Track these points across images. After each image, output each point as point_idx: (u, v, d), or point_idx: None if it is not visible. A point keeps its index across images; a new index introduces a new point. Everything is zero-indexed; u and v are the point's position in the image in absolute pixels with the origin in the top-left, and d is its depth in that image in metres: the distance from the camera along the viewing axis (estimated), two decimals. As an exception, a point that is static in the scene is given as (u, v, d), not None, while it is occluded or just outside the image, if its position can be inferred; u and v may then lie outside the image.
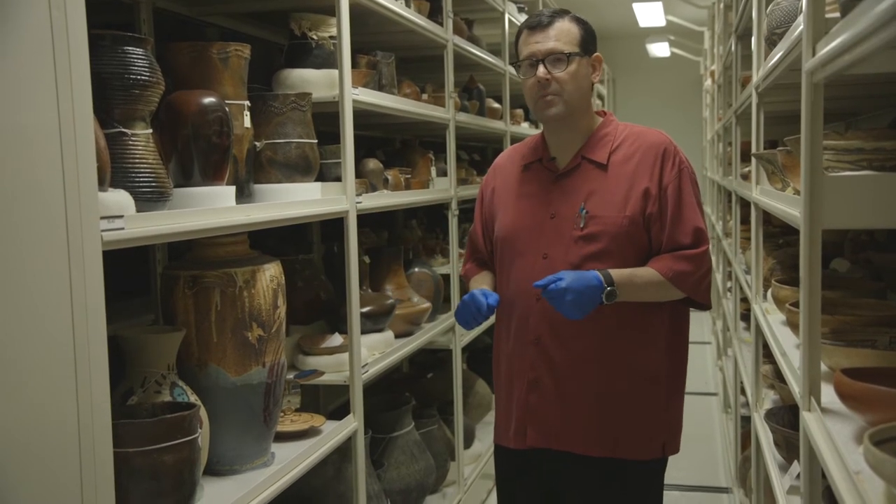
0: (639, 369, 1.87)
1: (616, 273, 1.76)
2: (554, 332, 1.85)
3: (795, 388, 1.65)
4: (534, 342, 1.88)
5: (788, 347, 1.95)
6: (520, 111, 4.74)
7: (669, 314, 1.88)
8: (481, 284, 1.99)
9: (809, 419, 1.46)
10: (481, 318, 1.81)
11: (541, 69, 1.83)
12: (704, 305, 1.87)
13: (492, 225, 2.02)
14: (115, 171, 1.39)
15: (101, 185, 1.27)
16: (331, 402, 3.11)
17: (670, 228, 1.82)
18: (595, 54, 1.91)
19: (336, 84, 2.15)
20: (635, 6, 7.47)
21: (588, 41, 1.88)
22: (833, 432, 1.32)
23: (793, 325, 2.03)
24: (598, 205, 1.83)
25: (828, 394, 1.49)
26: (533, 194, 1.91)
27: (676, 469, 4.24)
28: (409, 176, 3.01)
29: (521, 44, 1.90)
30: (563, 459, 1.90)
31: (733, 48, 3.74)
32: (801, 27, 1.49)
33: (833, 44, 1.16)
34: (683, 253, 1.81)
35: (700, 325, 7.60)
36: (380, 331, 2.53)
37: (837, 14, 1.30)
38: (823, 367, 1.56)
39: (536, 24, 1.85)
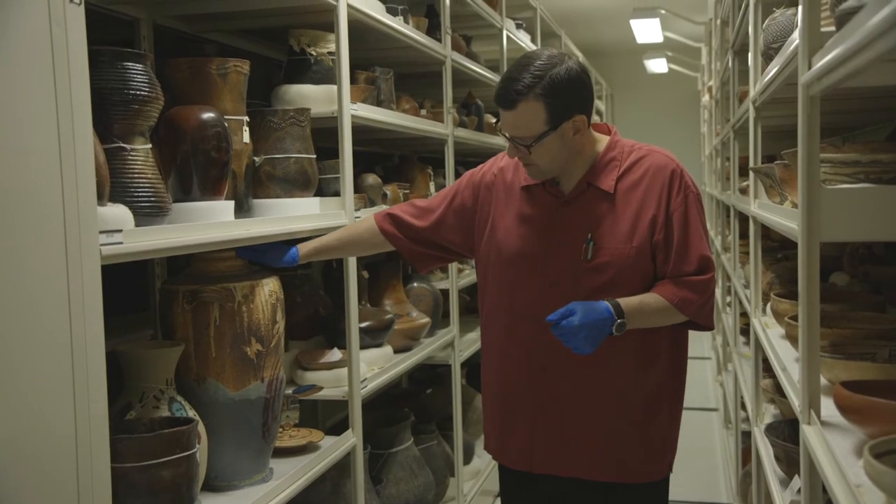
0: (644, 393, 1.84)
1: (625, 303, 1.72)
2: (561, 360, 1.80)
3: (795, 401, 1.65)
4: (541, 370, 1.84)
5: (788, 361, 1.94)
6: (518, 127, 4.75)
7: (670, 335, 1.85)
8: (332, 238, 2.00)
9: (809, 433, 1.46)
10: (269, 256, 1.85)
11: (511, 146, 1.79)
12: (707, 327, 1.84)
13: (482, 226, 1.94)
14: (114, 185, 1.40)
15: (101, 199, 1.28)
16: (329, 417, 3.10)
17: (676, 258, 1.77)
18: (575, 117, 1.74)
19: (335, 99, 2.16)
20: (633, 23, 7.51)
21: (560, 112, 1.72)
22: (833, 445, 1.31)
23: (792, 338, 2.03)
24: (606, 235, 1.79)
25: (827, 407, 1.49)
26: (536, 219, 1.85)
27: (677, 485, 4.20)
28: (407, 191, 3.02)
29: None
30: (569, 483, 1.88)
31: (730, 64, 3.76)
32: (797, 41, 1.50)
33: (828, 57, 1.16)
34: (689, 279, 1.77)
35: (700, 340, 7.58)
36: (379, 346, 2.53)
37: (833, 28, 1.31)
38: (823, 381, 1.56)
39: (502, 102, 1.74)
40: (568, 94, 1.72)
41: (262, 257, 1.85)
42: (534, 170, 1.81)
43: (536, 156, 1.76)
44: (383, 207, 2.62)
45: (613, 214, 1.80)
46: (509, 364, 1.89)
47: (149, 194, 1.46)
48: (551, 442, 1.86)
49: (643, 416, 1.84)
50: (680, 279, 1.77)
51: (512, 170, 1.94)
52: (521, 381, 1.87)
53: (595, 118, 7.76)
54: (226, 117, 1.74)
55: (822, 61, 1.24)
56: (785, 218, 1.84)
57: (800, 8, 1.45)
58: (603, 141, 1.86)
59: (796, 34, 1.54)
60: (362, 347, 2.34)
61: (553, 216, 1.84)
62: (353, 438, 2.16)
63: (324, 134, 2.20)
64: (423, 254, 2.03)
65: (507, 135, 1.77)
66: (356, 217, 2.21)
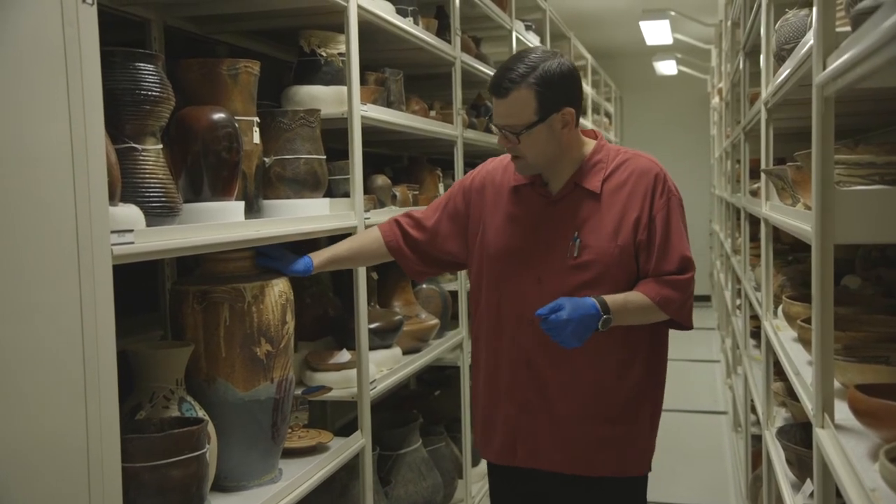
0: (626, 389, 1.88)
1: (611, 300, 1.77)
2: (546, 354, 1.86)
3: (808, 405, 1.64)
4: (525, 364, 1.89)
5: (800, 364, 1.93)
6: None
7: (649, 333, 1.89)
8: (341, 248, 2.00)
9: (823, 436, 1.45)
10: (276, 262, 1.85)
11: (501, 136, 1.85)
12: (686, 326, 1.89)
13: (474, 228, 1.99)
14: (125, 185, 1.40)
15: (112, 199, 1.28)
16: (338, 418, 3.10)
17: (657, 257, 1.83)
18: (564, 109, 1.80)
19: (345, 100, 2.16)
20: (642, 24, 7.50)
21: (550, 102, 1.78)
22: (847, 449, 1.30)
23: (804, 341, 2.02)
24: (591, 234, 1.84)
25: (840, 411, 1.48)
26: (524, 218, 1.91)
27: (686, 488, 4.21)
28: (416, 192, 3.01)
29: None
30: (553, 478, 1.91)
31: (741, 65, 3.75)
32: (811, 42, 1.49)
33: (844, 57, 1.15)
34: (670, 278, 1.83)
35: (708, 343, 7.56)
36: (387, 347, 2.53)
37: (848, 28, 1.30)
38: (836, 384, 1.54)
39: (495, 91, 1.80)
40: (558, 86, 1.78)
41: (276, 264, 1.85)
42: (522, 163, 1.86)
43: (525, 146, 1.82)
44: (393, 208, 2.63)
45: (599, 214, 1.85)
46: (495, 359, 1.94)
47: (160, 194, 1.46)
48: (534, 436, 1.90)
49: (625, 412, 1.88)
50: (661, 278, 1.83)
51: (501, 172, 2.00)
52: (506, 376, 1.91)
53: (604, 120, 7.63)
54: (236, 118, 1.74)
55: (837, 62, 1.23)
56: (798, 220, 1.83)
57: (814, 8, 1.45)
58: (590, 144, 1.92)
59: (810, 35, 1.53)
60: (371, 349, 2.33)
61: (541, 215, 1.90)
62: (361, 439, 2.16)
63: (334, 135, 2.20)
64: (420, 271, 2.08)
65: (498, 125, 1.84)
66: (366, 218, 2.21)
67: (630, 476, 1.92)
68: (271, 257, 1.84)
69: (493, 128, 1.86)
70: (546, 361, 1.86)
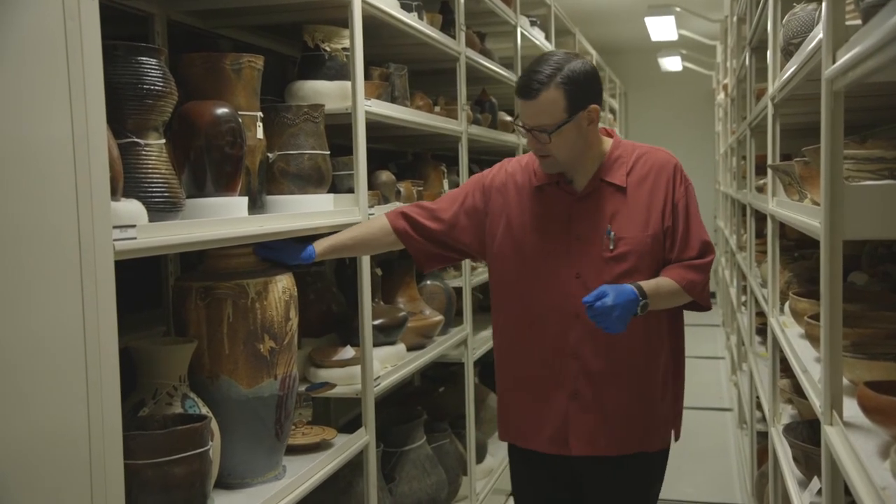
0: (660, 369, 1.98)
1: (646, 285, 1.85)
2: (592, 344, 1.93)
3: (816, 402, 1.62)
4: (573, 355, 1.94)
5: (808, 361, 1.92)
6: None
7: (669, 316, 2.00)
8: (347, 235, 2.01)
9: (831, 433, 1.44)
10: (283, 255, 1.86)
11: (530, 137, 1.89)
12: (706, 307, 2.01)
13: (494, 226, 2.01)
14: (127, 180, 1.39)
15: (114, 194, 1.27)
16: (342, 415, 3.09)
17: (681, 243, 1.93)
18: (590, 107, 1.87)
19: (349, 96, 2.15)
20: (647, 20, 7.47)
21: (577, 100, 1.84)
22: (857, 446, 1.29)
23: (812, 338, 2.01)
24: (623, 226, 1.92)
25: (849, 408, 1.46)
26: (554, 216, 1.96)
27: (691, 485, 4.20)
28: (421, 188, 3.00)
29: (516, 102, 1.93)
30: (595, 460, 1.97)
31: (747, 61, 3.73)
32: (821, 35, 1.48)
33: (854, 50, 1.14)
34: (692, 263, 1.93)
35: (713, 340, 7.54)
36: (392, 343, 2.52)
37: (858, 21, 1.28)
38: (844, 381, 1.53)
39: (525, 93, 1.85)
40: (584, 84, 1.85)
41: (278, 255, 1.86)
42: (550, 161, 1.91)
43: (555, 145, 1.87)
44: (397, 204, 2.62)
45: (627, 207, 1.93)
46: (538, 355, 1.98)
47: (162, 190, 1.45)
48: (586, 424, 1.95)
49: (662, 391, 1.99)
50: (684, 263, 1.93)
51: (521, 172, 2.04)
52: (553, 369, 1.97)
53: (609, 117, 7.64)
54: (240, 113, 1.73)
55: (846, 55, 1.22)
56: (806, 216, 1.82)
57: (824, 1, 1.43)
58: (608, 142, 1.99)
59: (819, 28, 1.51)
60: (375, 345, 2.32)
61: (570, 211, 1.95)
62: (365, 436, 2.15)
63: (338, 130, 2.19)
64: (431, 253, 2.09)
65: (526, 127, 1.88)
66: (370, 214, 2.20)
67: (662, 449, 2.02)
68: (272, 247, 1.85)
69: (520, 129, 1.91)
70: (591, 351, 1.93)
